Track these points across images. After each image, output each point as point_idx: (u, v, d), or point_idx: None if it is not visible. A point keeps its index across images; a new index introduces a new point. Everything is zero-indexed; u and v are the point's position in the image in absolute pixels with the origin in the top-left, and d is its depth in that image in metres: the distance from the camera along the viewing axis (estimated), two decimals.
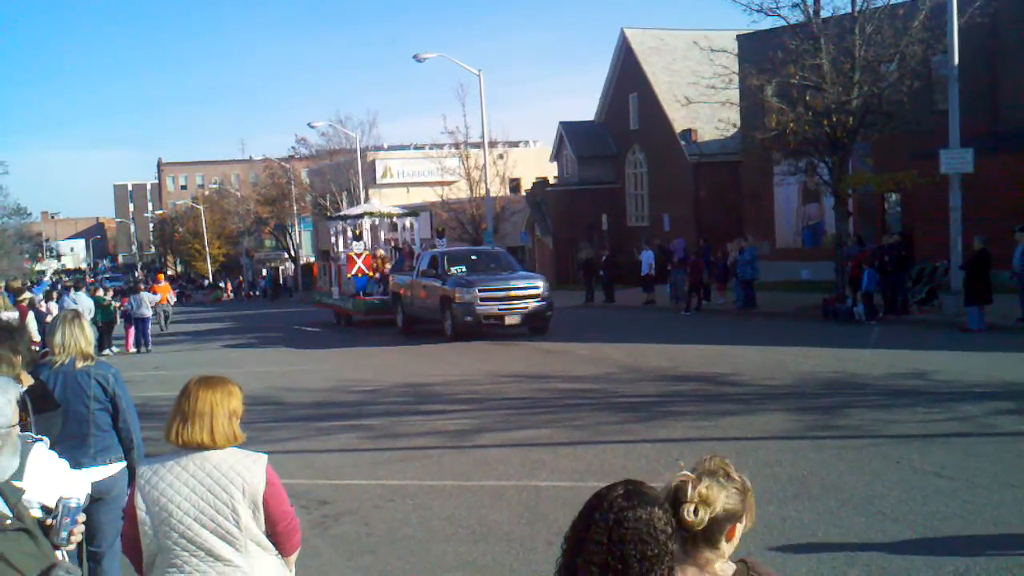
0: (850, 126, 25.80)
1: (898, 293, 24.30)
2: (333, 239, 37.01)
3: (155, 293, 37.00)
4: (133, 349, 29.41)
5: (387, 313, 30.32)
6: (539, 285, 25.10)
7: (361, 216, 35.27)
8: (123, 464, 6.28)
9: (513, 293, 24.66)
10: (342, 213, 38.31)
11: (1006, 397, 13.16)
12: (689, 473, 2.77)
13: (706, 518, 2.73)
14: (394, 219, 36.03)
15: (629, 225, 48.94)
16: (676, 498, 2.75)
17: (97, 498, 5.76)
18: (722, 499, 2.76)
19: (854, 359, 17.66)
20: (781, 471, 9.77)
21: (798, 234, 38.25)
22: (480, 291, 24.52)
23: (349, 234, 35.16)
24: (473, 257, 27.79)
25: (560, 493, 9.46)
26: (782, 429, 11.93)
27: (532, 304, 24.65)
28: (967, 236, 22.31)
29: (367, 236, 35.02)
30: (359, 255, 33.02)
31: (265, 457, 4.11)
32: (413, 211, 38.48)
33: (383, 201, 59.30)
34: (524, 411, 14.51)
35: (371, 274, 32.32)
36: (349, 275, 32.56)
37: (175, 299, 43.28)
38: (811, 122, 25.90)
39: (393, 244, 34.71)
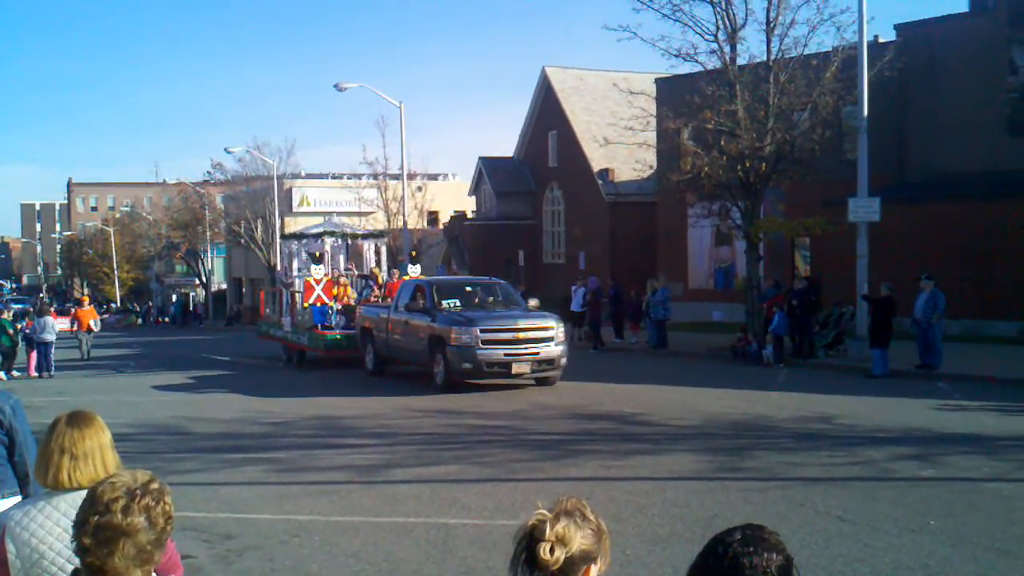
0: (763, 172, 26.37)
1: (805, 337, 24.78)
2: (285, 261, 32.22)
3: (76, 318, 35.62)
4: (35, 374, 28.63)
5: (350, 351, 26.18)
6: (552, 325, 20.80)
7: (321, 235, 30.61)
8: (18, 498, 6.07)
9: (522, 335, 20.32)
10: (298, 231, 32.98)
11: (906, 443, 13.47)
12: (546, 512, 2.77)
13: (562, 557, 2.73)
14: (358, 241, 32.01)
15: (546, 262, 49.23)
16: (532, 536, 2.74)
17: None
18: (578, 539, 2.76)
19: (762, 401, 17.95)
20: (688, 512, 9.86)
21: (710, 276, 38.86)
22: (482, 331, 20.12)
23: (303, 256, 30.75)
24: (468, 288, 23.45)
25: (470, 531, 9.41)
26: (690, 470, 12.05)
27: (545, 348, 20.38)
28: (874, 283, 22.88)
29: (326, 259, 29.99)
30: (318, 281, 28.12)
31: None
32: (379, 232, 34.40)
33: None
34: (435, 447, 14.44)
35: (331, 303, 27.89)
36: (306, 304, 27.96)
37: (99, 325, 39.03)
38: (725, 166, 26.42)
39: (355, 272, 30.62)
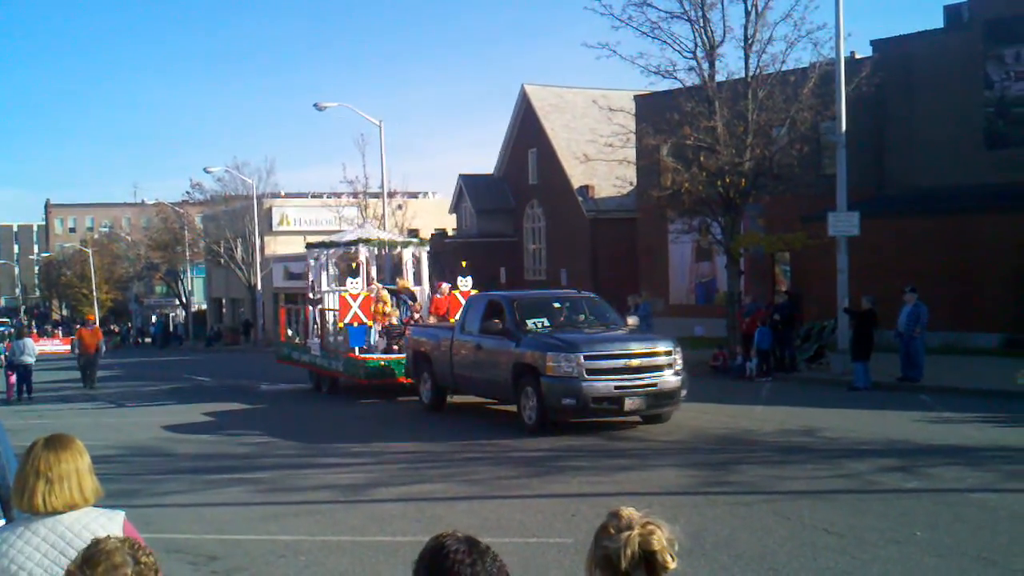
0: (742, 187, 26.48)
1: (787, 350, 24.87)
2: (312, 274, 27.50)
3: (80, 339, 33.61)
4: (15, 397, 28.41)
5: (394, 379, 22.51)
6: (669, 349, 16.88)
7: (355, 243, 26.26)
8: (1, 522, 6.02)
9: (635, 362, 16.34)
10: (328, 240, 27.83)
11: (890, 455, 13.52)
12: (652, 523, 2.76)
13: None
14: (398, 250, 27.79)
15: (527, 279, 49.25)
16: (648, 549, 2.72)
17: None
18: (669, 534, 2.80)
19: (746, 415, 17.98)
20: (676, 527, 9.82)
21: (691, 291, 38.98)
22: (587, 358, 16.03)
23: (332, 269, 26.98)
24: (556, 304, 19.20)
25: None
26: (676, 485, 12.06)
27: (661, 378, 16.39)
28: (854, 296, 22.99)
29: (362, 272, 26.29)
30: (355, 296, 24.25)
31: (121, 514, 3.95)
32: (421, 240, 29.28)
33: (278, 250, 58.82)
34: (420, 465, 14.39)
35: (370, 323, 23.96)
36: (341, 323, 24.14)
37: (105, 348, 36.05)
38: (705, 182, 26.52)
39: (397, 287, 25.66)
